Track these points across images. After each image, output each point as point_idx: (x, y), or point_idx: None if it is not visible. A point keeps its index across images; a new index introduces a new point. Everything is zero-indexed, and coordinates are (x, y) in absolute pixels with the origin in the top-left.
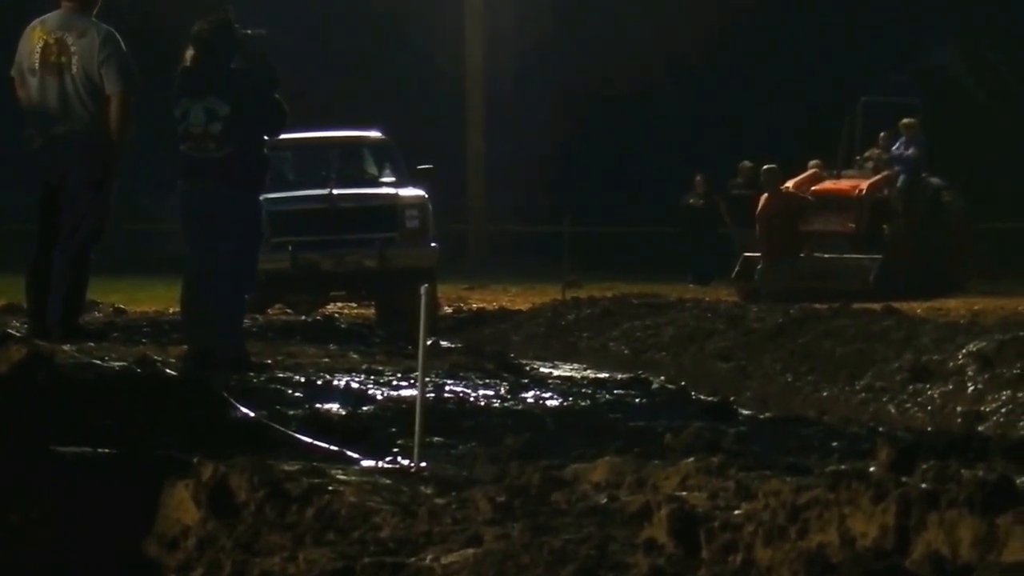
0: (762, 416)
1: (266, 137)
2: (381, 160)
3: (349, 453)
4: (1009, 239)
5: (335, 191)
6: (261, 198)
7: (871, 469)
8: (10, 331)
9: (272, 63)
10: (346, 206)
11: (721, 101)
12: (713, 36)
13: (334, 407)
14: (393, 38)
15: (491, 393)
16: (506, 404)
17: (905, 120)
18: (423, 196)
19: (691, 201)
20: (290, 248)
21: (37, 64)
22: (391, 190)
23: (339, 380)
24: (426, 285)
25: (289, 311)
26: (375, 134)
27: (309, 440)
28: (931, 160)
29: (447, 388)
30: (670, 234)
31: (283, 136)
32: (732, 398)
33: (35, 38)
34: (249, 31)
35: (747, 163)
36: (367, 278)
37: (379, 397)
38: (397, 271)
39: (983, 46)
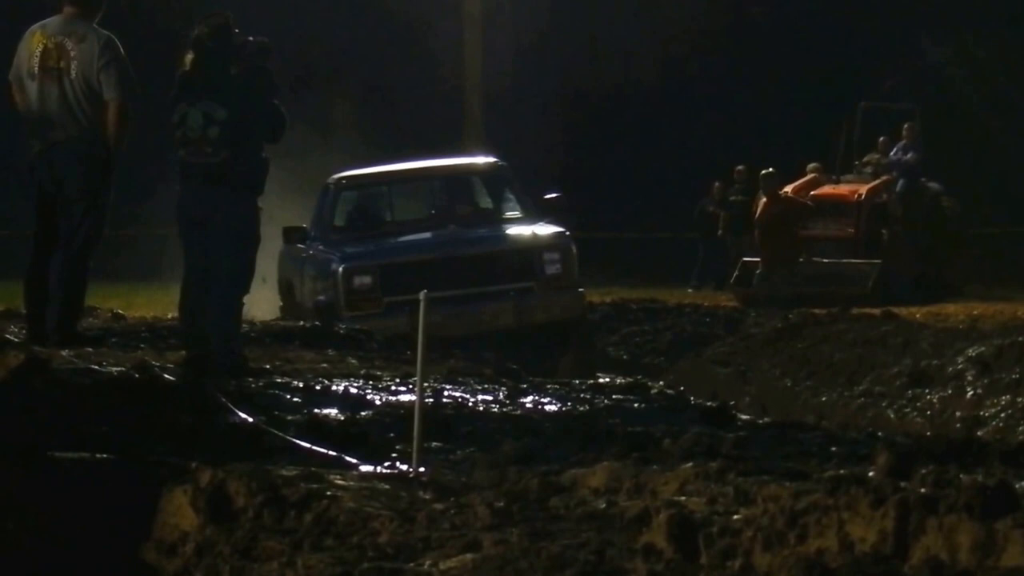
0: (761, 421)
1: (265, 143)
2: (498, 190)
3: (347, 458)
4: (1007, 244)
5: (455, 235)
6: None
7: (870, 474)
8: (8, 337)
9: (272, 70)
10: (471, 253)
11: (719, 105)
12: (711, 41)
13: (332, 412)
14: (392, 42)
15: (489, 398)
16: (504, 409)
17: (907, 125)
18: (563, 234)
19: (710, 209)
20: (408, 310)
21: (36, 69)
22: (524, 230)
23: (337, 385)
24: (424, 291)
25: None
26: (487, 159)
27: (307, 445)
28: (928, 164)
29: (445, 393)
30: (684, 239)
31: (375, 169)
32: (731, 403)
33: (35, 42)
34: (251, 38)
35: (741, 168)
36: (502, 338)
37: (377, 402)
38: (538, 327)
39: (979, 48)
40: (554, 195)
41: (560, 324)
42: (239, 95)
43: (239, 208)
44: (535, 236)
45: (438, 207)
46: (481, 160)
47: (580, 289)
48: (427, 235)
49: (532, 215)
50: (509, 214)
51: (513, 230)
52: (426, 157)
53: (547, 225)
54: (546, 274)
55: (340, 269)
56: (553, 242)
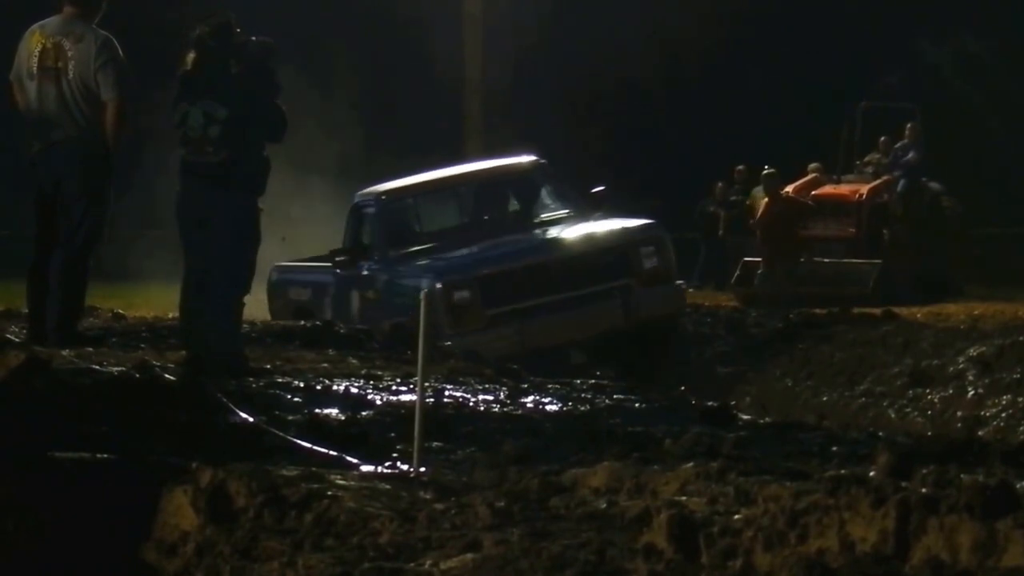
0: (761, 421)
1: (266, 143)
2: (546, 189)
3: (348, 458)
4: (1007, 244)
5: (544, 238)
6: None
7: (871, 474)
8: (9, 336)
9: (275, 70)
10: (568, 254)
11: (719, 105)
12: (710, 41)
13: (333, 412)
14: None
15: (490, 398)
16: (505, 409)
17: (909, 125)
18: (655, 225)
19: (711, 209)
20: (517, 322)
21: (35, 69)
22: (613, 225)
23: (338, 385)
24: (425, 290)
25: None
26: (529, 158)
27: (308, 445)
28: (928, 164)
29: (446, 393)
30: (685, 239)
31: (416, 180)
32: (732, 403)
33: (34, 43)
34: (253, 37)
35: (741, 168)
36: (614, 338)
37: (378, 402)
38: (647, 323)
39: (979, 48)
40: (600, 188)
41: (665, 320)
42: (240, 94)
43: (239, 208)
44: (628, 230)
45: (489, 212)
46: (522, 160)
47: (679, 282)
48: (515, 241)
49: (585, 211)
50: (565, 212)
51: (605, 227)
52: (450, 163)
53: (640, 219)
54: (644, 268)
55: (439, 286)
56: (648, 235)
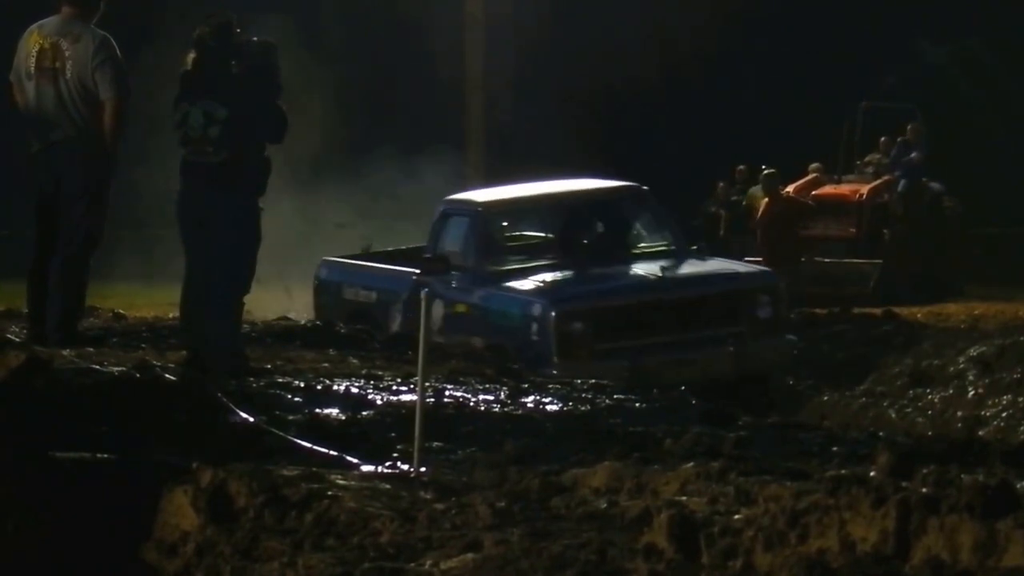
0: (762, 421)
1: (267, 143)
2: (647, 217)
3: (348, 458)
4: (1008, 244)
5: (665, 274)
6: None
7: (871, 474)
8: (9, 337)
9: (276, 71)
10: (687, 295)
11: (719, 105)
12: (711, 41)
13: (333, 412)
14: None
15: (490, 398)
16: (505, 409)
17: (910, 125)
18: (771, 273)
19: (712, 210)
20: (625, 360)
21: (33, 69)
22: (728, 267)
23: (338, 385)
24: (426, 290)
25: None
26: (630, 183)
27: (308, 445)
28: (929, 164)
29: (447, 393)
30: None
31: (520, 193)
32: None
33: (32, 43)
34: (255, 38)
35: (742, 168)
36: (717, 387)
37: (378, 402)
38: (752, 375)
39: (979, 48)
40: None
41: (770, 373)
42: (240, 94)
43: (240, 208)
44: (744, 276)
45: (587, 235)
46: (624, 183)
47: (790, 336)
48: (628, 274)
49: (685, 244)
50: (665, 244)
51: (723, 268)
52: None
53: (756, 264)
54: (758, 317)
55: (552, 314)
56: (765, 283)
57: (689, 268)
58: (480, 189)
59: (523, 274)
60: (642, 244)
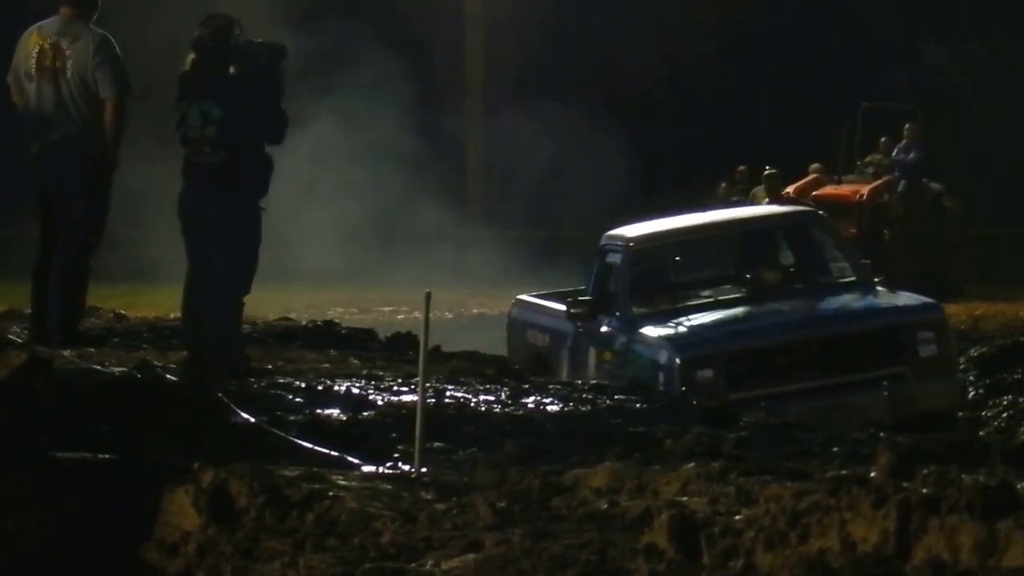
0: (762, 421)
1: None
2: (822, 247)
3: (349, 459)
4: (1008, 244)
5: (809, 311)
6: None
7: (871, 474)
8: (10, 337)
9: (283, 73)
10: (835, 334)
11: (719, 106)
12: (711, 42)
13: (334, 413)
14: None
15: (491, 398)
16: (506, 410)
17: (909, 125)
18: (935, 305)
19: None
20: (763, 404)
21: (33, 69)
22: (886, 300)
23: (339, 386)
24: (428, 291)
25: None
26: (799, 208)
27: (309, 446)
28: (929, 164)
29: (447, 394)
30: None
31: (669, 226)
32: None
33: (32, 43)
34: (260, 39)
35: (743, 168)
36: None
37: (379, 403)
38: (912, 420)
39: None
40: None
41: (935, 417)
42: (237, 94)
43: (240, 208)
44: (904, 309)
45: (752, 269)
46: (797, 209)
47: (958, 375)
48: (773, 311)
49: (867, 275)
50: (841, 276)
51: (873, 301)
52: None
53: (918, 296)
54: (920, 356)
55: (677, 361)
56: (928, 317)
57: (846, 302)
58: (643, 222)
59: (667, 318)
60: (817, 277)
